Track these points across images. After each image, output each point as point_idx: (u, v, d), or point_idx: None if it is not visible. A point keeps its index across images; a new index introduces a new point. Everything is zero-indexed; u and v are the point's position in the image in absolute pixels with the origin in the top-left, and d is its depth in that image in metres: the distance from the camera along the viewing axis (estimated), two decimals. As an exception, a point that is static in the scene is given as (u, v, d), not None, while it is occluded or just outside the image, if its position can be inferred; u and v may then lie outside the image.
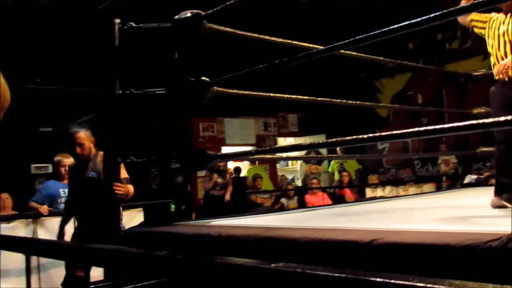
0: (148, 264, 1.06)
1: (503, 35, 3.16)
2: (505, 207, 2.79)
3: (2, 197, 6.18)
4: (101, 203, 3.86)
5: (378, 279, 0.59)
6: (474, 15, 3.37)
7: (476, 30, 3.41)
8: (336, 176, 10.49)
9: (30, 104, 7.89)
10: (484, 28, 3.34)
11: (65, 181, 4.66)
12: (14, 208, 6.06)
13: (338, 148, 9.89)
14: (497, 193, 2.91)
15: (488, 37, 3.29)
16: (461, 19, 3.45)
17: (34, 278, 4.22)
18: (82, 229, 3.94)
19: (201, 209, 9.14)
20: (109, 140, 3.33)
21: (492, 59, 3.25)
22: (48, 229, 4.60)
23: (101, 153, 3.95)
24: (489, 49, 3.28)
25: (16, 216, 4.96)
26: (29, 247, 1.75)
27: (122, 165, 3.84)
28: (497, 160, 3.13)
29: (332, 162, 10.78)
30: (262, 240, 2.12)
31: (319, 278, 0.64)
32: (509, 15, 3.18)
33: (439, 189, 8.77)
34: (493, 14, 3.29)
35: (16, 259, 4.21)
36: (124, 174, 3.91)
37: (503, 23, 3.18)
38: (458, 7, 1.97)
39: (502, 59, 3.11)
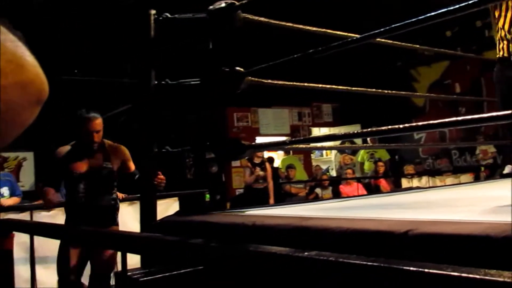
0: (183, 252, 1.07)
1: None
2: None
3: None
4: (112, 195, 3.91)
5: (411, 268, 0.59)
6: None
7: None
8: (366, 166, 10.41)
9: (68, 95, 8.04)
10: None
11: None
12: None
13: (368, 139, 9.82)
14: None
15: None
16: None
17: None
18: (81, 220, 3.75)
19: (242, 202, 9.03)
20: (145, 131, 3.37)
21: None
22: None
23: (108, 141, 3.94)
24: None
25: (57, 204, 5.08)
26: (67, 234, 1.79)
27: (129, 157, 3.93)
28: None
29: (362, 152, 10.69)
30: (296, 230, 2.13)
31: (352, 266, 0.64)
32: None
33: (477, 179, 8.61)
34: None
35: (55, 246, 4.33)
36: (132, 167, 3.98)
37: None
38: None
39: None
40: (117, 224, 3.93)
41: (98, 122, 3.79)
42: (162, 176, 3.49)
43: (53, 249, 4.35)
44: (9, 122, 0.63)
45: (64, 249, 3.43)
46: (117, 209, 3.99)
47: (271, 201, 8.19)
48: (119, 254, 1.89)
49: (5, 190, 5.63)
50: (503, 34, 2.89)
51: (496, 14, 2.97)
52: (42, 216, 4.52)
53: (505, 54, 2.86)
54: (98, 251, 3.74)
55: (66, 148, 3.87)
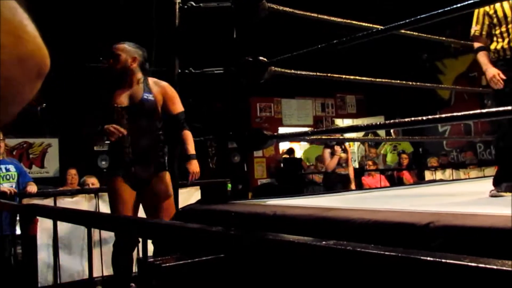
0: (204, 239, 1.08)
1: None
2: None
3: (71, 173, 6.47)
4: (158, 132, 3.53)
5: (429, 258, 0.59)
6: None
7: None
8: (389, 158, 10.34)
9: (93, 82, 8.12)
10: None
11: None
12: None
13: (392, 130, 9.73)
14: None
15: None
16: None
17: (95, 252, 4.38)
18: (134, 161, 3.46)
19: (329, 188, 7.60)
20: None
21: None
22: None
23: (153, 78, 3.59)
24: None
25: (80, 191, 5.16)
26: (91, 220, 1.82)
27: None
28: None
29: (385, 144, 10.62)
30: (317, 220, 2.13)
31: (370, 256, 0.64)
32: None
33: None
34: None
35: (78, 233, 4.40)
36: (177, 109, 3.62)
37: None
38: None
39: None
40: (167, 170, 3.56)
41: (116, 46, 3.52)
42: (194, 171, 3.51)
43: (76, 235, 4.43)
44: (7, 99, 0.58)
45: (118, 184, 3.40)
46: (165, 153, 3.63)
47: (353, 186, 7.61)
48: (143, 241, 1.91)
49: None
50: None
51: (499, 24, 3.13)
52: (66, 202, 4.58)
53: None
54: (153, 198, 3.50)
55: (114, 86, 3.59)
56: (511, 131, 2.99)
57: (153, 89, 3.48)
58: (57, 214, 2.15)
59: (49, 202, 4.51)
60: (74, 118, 8.23)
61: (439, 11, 2.19)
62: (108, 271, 4.66)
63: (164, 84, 3.52)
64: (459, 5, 2.10)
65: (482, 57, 3.23)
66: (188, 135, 3.58)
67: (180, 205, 3.27)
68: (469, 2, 2.04)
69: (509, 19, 3.08)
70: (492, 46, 3.17)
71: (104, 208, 4.68)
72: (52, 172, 9.02)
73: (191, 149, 3.57)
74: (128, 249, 3.46)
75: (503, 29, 3.09)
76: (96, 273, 4.47)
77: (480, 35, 3.24)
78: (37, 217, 2.69)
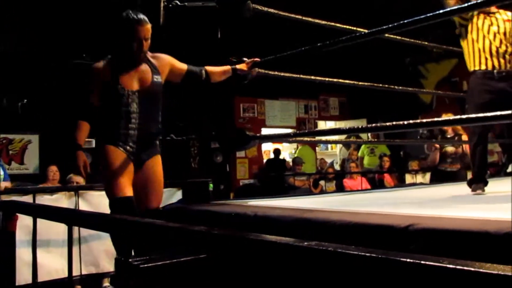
0: (184, 239, 1.09)
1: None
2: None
3: (52, 169, 6.42)
4: (159, 117, 3.22)
5: (408, 260, 0.60)
6: None
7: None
8: (366, 161, 10.41)
9: (77, 78, 8.06)
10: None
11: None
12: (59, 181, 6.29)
13: (369, 134, 9.78)
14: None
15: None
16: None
17: (74, 250, 4.35)
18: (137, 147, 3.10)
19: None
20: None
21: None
22: (90, 202, 4.71)
23: (150, 54, 3.19)
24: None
25: (60, 188, 5.11)
26: (72, 217, 1.81)
27: None
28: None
29: (363, 147, 10.68)
30: (298, 221, 2.14)
31: (351, 257, 0.65)
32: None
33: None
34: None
35: (57, 231, 4.36)
36: (184, 65, 3.31)
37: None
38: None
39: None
40: (159, 153, 3.26)
41: (148, 27, 3.04)
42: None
43: (55, 232, 4.39)
44: None
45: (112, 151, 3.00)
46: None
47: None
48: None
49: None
50: (493, 49, 3.37)
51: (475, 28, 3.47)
52: (45, 200, 4.54)
53: (489, 68, 3.36)
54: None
55: (104, 62, 3.11)
56: (484, 139, 3.36)
57: (158, 67, 3.16)
58: (37, 211, 2.14)
59: (27, 199, 4.47)
60: (55, 114, 8.17)
61: (422, 16, 2.21)
62: (87, 269, 4.63)
63: (162, 55, 3.24)
64: (441, 11, 2.13)
65: None
66: (210, 67, 3.36)
67: (162, 205, 3.26)
68: (451, 8, 2.07)
69: (486, 36, 3.42)
70: (471, 59, 3.51)
71: (84, 206, 4.65)
72: (32, 169, 8.93)
73: (225, 67, 3.38)
74: None
75: (480, 44, 3.44)
76: (75, 272, 4.43)
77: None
78: (17, 214, 2.66)
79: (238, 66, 3.33)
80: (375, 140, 9.52)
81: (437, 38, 5.08)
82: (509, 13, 3.54)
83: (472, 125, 3.37)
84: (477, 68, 3.45)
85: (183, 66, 3.26)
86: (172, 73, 3.24)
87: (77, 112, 3.17)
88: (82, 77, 3.26)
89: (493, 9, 3.49)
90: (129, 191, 2.96)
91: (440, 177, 6.43)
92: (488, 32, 3.43)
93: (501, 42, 3.40)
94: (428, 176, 9.00)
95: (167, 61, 3.22)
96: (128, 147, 3.06)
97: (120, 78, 3.04)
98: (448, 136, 6.28)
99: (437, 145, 6.35)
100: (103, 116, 3.13)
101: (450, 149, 6.34)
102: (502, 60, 3.38)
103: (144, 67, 3.10)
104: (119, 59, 3.09)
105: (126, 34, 2.99)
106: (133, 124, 3.06)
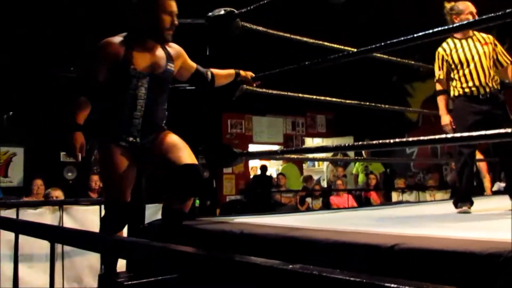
0: (167, 258, 1.07)
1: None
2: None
3: (37, 183, 6.36)
4: (165, 102, 2.97)
5: (393, 285, 0.60)
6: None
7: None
8: (361, 178, 10.43)
9: (64, 92, 8.03)
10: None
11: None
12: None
13: (364, 151, 9.85)
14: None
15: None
16: None
17: (57, 265, 4.29)
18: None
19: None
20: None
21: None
22: (74, 217, 4.66)
23: (178, 47, 3.00)
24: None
25: (44, 202, 5.05)
26: (55, 235, 1.79)
27: None
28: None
29: (357, 164, 10.72)
30: (284, 239, 2.14)
31: (335, 281, 0.64)
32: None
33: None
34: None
35: (41, 245, 4.30)
36: (193, 63, 3.12)
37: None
38: (497, 13, 1.94)
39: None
40: (166, 129, 2.98)
41: (174, 3, 2.78)
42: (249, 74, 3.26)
43: (39, 246, 4.33)
44: None
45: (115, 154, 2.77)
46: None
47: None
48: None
49: None
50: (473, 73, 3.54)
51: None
52: (28, 214, 4.47)
53: (475, 94, 3.52)
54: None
55: (118, 39, 2.79)
56: (471, 159, 3.48)
57: (173, 56, 2.93)
58: (19, 227, 2.10)
59: (11, 213, 4.41)
60: (40, 127, 8.12)
61: (409, 36, 2.23)
62: (70, 285, 4.56)
63: (176, 46, 3.00)
64: (430, 31, 2.15)
65: (441, 102, 3.80)
66: (215, 69, 3.20)
67: (147, 220, 3.23)
68: (438, 29, 2.10)
69: (464, 65, 3.55)
70: (454, 84, 3.65)
71: (68, 220, 4.60)
72: (16, 182, 8.84)
73: (229, 70, 3.25)
74: (116, 230, 2.85)
75: (460, 73, 3.58)
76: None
77: (443, 79, 3.75)
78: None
79: (242, 73, 3.24)
80: (363, 157, 9.55)
81: (424, 57, 5.13)
82: (484, 34, 3.63)
83: (458, 144, 3.42)
84: (461, 92, 3.59)
85: (193, 64, 3.10)
86: (183, 67, 3.04)
87: (76, 87, 2.87)
88: (90, 50, 2.94)
89: (470, 32, 3.63)
90: (127, 196, 2.85)
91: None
92: (470, 55, 3.56)
93: (481, 64, 3.53)
94: (414, 194, 9.05)
95: (182, 53, 3.01)
96: (131, 138, 2.82)
97: (133, 58, 2.75)
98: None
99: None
100: (106, 98, 2.86)
101: None
102: (484, 82, 3.52)
103: (159, 52, 2.85)
104: (138, 37, 2.80)
105: (158, 7, 2.72)
106: (138, 111, 2.80)
